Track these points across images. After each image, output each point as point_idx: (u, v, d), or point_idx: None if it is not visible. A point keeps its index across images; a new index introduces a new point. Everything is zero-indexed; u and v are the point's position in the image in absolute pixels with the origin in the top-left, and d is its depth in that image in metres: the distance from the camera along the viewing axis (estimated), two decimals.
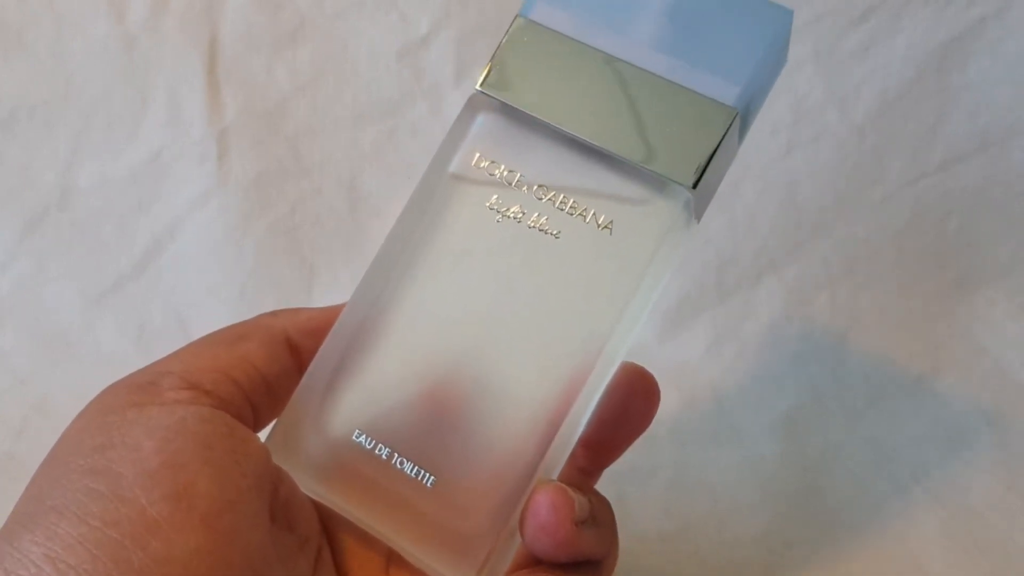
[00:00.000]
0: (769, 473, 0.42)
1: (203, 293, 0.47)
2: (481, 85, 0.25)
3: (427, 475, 0.24)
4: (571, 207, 0.24)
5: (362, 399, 0.25)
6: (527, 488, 0.23)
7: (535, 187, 0.25)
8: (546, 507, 0.22)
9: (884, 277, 0.47)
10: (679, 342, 0.47)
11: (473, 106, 0.26)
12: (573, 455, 0.25)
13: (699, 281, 0.47)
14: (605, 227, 0.24)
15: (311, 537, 0.25)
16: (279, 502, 0.24)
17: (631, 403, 0.27)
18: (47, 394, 0.44)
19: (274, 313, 0.27)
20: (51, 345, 0.46)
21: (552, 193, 0.25)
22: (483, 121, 0.25)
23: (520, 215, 0.25)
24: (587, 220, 0.24)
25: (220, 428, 0.22)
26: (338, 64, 0.47)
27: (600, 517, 0.24)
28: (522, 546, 0.24)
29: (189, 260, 0.47)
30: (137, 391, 0.23)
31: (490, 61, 0.25)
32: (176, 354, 0.25)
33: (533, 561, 0.24)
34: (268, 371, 0.25)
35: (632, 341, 0.24)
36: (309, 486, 0.25)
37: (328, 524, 0.26)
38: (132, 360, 0.29)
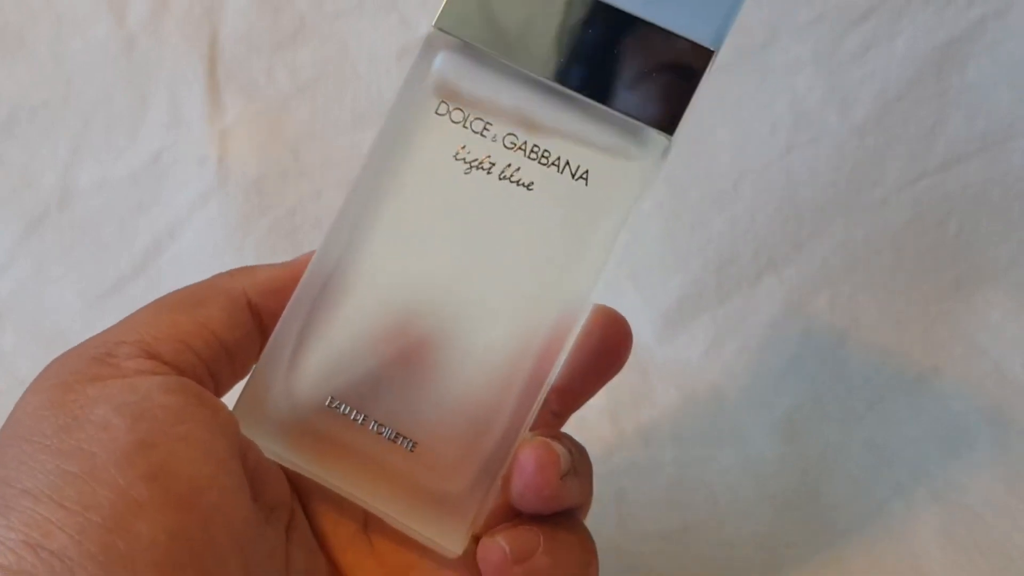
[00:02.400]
0: (769, 473, 0.42)
1: None
2: (437, 23, 0.23)
3: (406, 439, 0.23)
4: (542, 156, 0.23)
5: (332, 364, 0.23)
6: (510, 445, 0.23)
7: (505, 135, 0.23)
8: (533, 464, 0.22)
9: (884, 277, 0.47)
10: (679, 342, 0.47)
11: (431, 46, 0.23)
12: (545, 399, 0.24)
13: (699, 281, 0.47)
14: (580, 177, 0.23)
15: (280, 505, 0.24)
16: (247, 471, 0.23)
17: (604, 346, 0.26)
18: None
19: (230, 273, 0.25)
20: (51, 346, 0.46)
21: (523, 141, 0.23)
22: (443, 62, 0.23)
23: (490, 166, 0.23)
24: (561, 170, 0.23)
25: (189, 399, 0.21)
26: (338, 66, 0.47)
27: (580, 467, 0.24)
28: (502, 499, 0.23)
29: (189, 261, 0.47)
30: (94, 363, 0.22)
31: None
32: (128, 321, 0.23)
33: (514, 514, 0.24)
34: (228, 337, 0.23)
35: (601, 285, 0.23)
36: (283, 455, 0.24)
37: (300, 491, 0.25)
38: None
